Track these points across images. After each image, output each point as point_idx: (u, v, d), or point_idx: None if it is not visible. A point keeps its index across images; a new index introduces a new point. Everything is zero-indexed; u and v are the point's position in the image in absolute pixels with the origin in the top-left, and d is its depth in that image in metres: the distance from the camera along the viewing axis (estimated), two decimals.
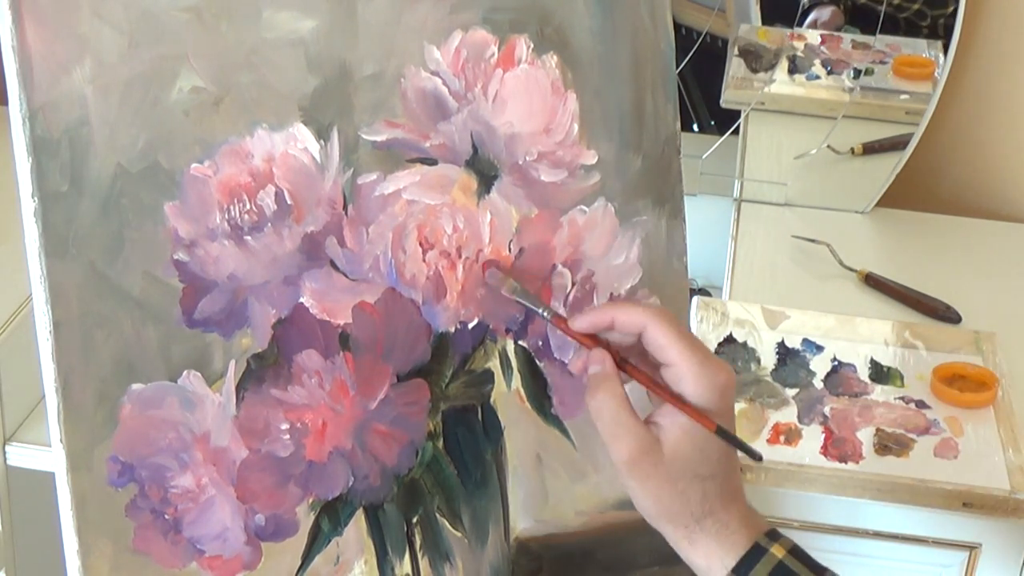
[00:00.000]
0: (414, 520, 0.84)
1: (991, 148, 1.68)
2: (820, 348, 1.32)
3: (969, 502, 1.14)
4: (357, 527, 0.81)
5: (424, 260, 0.81)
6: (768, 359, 1.30)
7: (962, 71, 1.61)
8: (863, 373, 1.29)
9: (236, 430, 0.75)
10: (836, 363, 1.30)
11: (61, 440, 0.70)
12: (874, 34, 1.63)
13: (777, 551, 0.76)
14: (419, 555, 0.84)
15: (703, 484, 0.76)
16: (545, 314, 0.82)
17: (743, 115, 1.68)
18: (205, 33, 0.73)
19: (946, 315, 1.42)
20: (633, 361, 0.79)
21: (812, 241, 1.55)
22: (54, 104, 0.68)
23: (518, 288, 0.83)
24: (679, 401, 0.76)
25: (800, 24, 1.67)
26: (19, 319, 1.27)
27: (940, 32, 1.58)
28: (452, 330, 0.83)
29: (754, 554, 0.76)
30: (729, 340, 1.32)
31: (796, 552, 0.76)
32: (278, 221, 0.76)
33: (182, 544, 0.75)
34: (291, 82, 0.76)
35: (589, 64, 0.87)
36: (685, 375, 0.76)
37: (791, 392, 1.25)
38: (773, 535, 0.77)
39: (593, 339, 0.80)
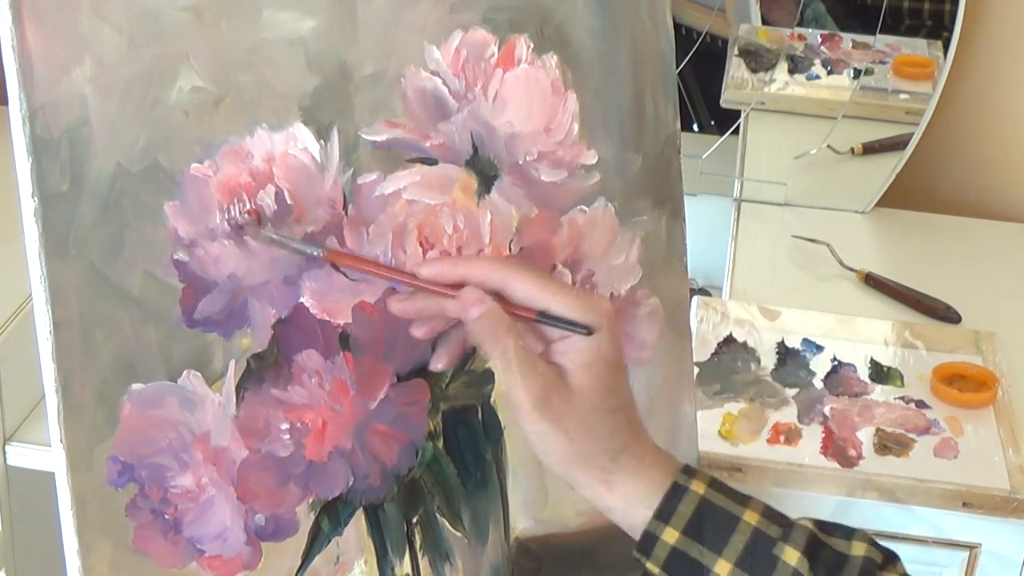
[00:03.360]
0: (414, 520, 0.84)
1: (991, 148, 1.68)
2: (820, 348, 1.32)
3: (969, 502, 1.14)
4: (357, 527, 0.81)
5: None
6: (768, 359, 1.30)
7: (962, 71, 1.61)
8: (863, 373, 1.29)
9: (236, 430, 0.75)
10: (836, 363, 1.30)
11: (61, 440, 0.70)
12: (874, 34, 1.63)
13: (697, 487, 0.73)
14: (419, 555, 0.84)
15: (613, 417, 0.74)
16: (316, 253, 0.75)
17: (743, 115, 1.68)
18: (205, 33, 0.73)
19: (946, 315, 1.42)
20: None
21: (812, 241, 1.55)
22: (54, 104, 0.68)
23: (269, 235, 0.75)
24: (550, 317, 0.74)
25: None
26: (19, 319, 1.27)
27: (945, 24, 1.58)
28: None
29: (675, 493, 0.73)
30: (729, 340, 1.32)
31: (716, 485, 0.74)
32: (278, 221, 0.76)
33: (182, 544, 0.74)
34: (291, 82, 0.76)
35: (589, 64, 0.87)
36: (566, 314, 0.74)
37: (791, 392, 1.25)
38: (688, 471, 0.75)
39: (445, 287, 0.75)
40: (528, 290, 0.75)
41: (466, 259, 0.78)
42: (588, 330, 0.74)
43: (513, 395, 0.73)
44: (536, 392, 0.73)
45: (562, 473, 0.75)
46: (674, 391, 0.96)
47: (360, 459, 0.80)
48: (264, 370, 0.77)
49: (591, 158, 0.88)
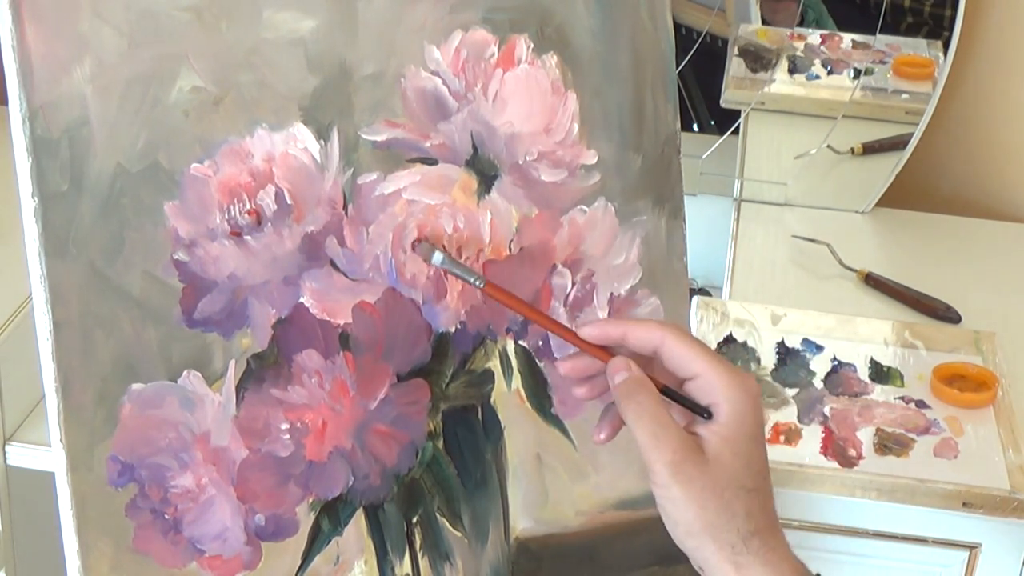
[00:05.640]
0: (414, 520, 0.84)
1: (991, 148, 1.69)
2: (820, 348, 1.32)
3: (969, 502, 1.14)
4: (357, 527, 0.81)
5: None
6: (768, 359, 1.30)
7: (962, 71, 1.61)
8: (863, 373, 1.29)
9: (236, 430, 0.75)
10: (836, 363, 1.30)
11: (61, 440, 0.70)
12: (874, 34, 1.63)
13: None
14: (419, 555, 0.84)
15: (748, 497, 0.72)
16: (477, 283, 0.79)
17: (743, 115, 1.68)
18: (205, 33, 0.73)
19: (946, 315, 1.42)
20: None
21: (812, 241, 1.55)
22: (54, 104, 0.68)
23: (445, 258, 0.80)
24: (677, 393, 0.74)
25: None
26: (19, 319, 1.27)
27: (945, 24, 1.58)
28: (452, 330, 0.83)
29: None
30: (729, 340, 1.32)
31: None
32: (278, 221, 0.76)
33: (182, 544, 0.75)
34: (291, 82, 0.76)
35: (589, 64, 0.87)
36: (715, 384, 0.73)
37: (791, 392, 1.25)
38: None
39: (601, 349, 0.77)
40: (681, 355, 0.74)
41: (628, 321, 0.78)
42: (708, 413, 0.74)
43: (645, 458, 0.73)
44: (669, 454, 0.72)
45: (689, 544, 0.73)
46: None
47: (360, 459, 0.80)
48: (264, 370, 0.77)
49: (591, 158, 0.88)
